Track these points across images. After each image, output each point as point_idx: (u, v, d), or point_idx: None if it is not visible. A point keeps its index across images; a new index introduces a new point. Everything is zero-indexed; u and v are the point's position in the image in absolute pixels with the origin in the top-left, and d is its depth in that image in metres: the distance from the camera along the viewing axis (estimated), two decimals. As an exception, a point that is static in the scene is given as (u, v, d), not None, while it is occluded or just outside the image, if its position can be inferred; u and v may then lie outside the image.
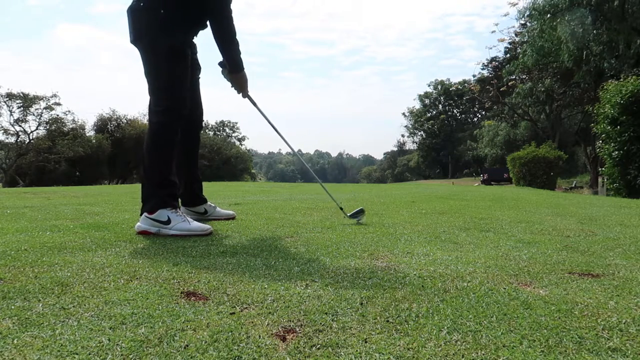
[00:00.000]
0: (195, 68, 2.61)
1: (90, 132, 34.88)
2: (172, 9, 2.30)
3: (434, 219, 2.98)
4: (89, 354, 0.89)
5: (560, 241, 2.23)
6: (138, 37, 2.35)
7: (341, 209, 2.88)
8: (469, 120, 68.68)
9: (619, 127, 8.34)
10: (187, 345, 0.93)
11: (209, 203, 2.82)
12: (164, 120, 2.34)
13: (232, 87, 2.67)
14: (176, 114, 2.35)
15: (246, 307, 1.17)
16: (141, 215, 2.27)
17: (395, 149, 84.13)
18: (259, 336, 0.99)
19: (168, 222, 2.21)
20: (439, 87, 68.68)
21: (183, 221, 2.23)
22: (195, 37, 2.55)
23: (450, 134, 66.06)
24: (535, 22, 20.58)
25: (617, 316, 1.14)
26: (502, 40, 31.44)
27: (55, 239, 2.02)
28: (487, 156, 49.14)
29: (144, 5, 2.30)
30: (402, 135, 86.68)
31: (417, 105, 72.79)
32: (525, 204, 4.44)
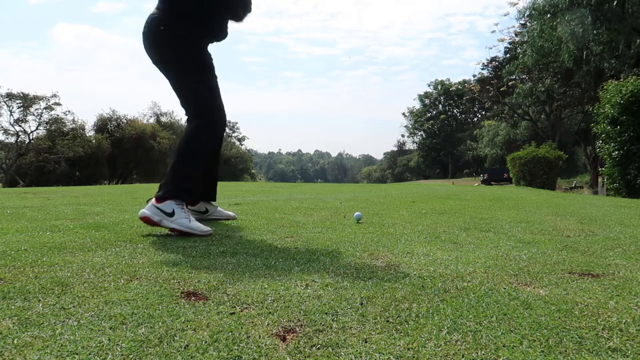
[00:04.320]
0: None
1: (90, 132, 34.82)
2: (187, 25, 2.33)
3: (434, 219, 2.98)
4: (89, 354, 0.89)
5: (560, 241, 2.23)
6: (159, 58, 2.39)
7: None
8: (469, 120, 68.60)
9: (619, 127, 8.34)
10: (187, 345, 0.93)
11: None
12: (204, 130, 2.39)
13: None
14: (216, 124, 2.44)
15: (246, 307, 1.17)
16: (149, 202, 2.28)
17: (395, 149, 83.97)
18: (259, 336, 0.99)
19: (172, 214, 2.22)
20: (439, 87, 68.62)
21: (185, 218, 2.24)
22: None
23: (450, 134, 66.00)
24: (535, 22, 20.56)
25: (617, 316, 1.15)
26: (502, 40, 31.42)
27: (55, 239, 2.02)
28: (487, 156, 49.13)
29: (158, 24, 2.33)
30: (402, 135, 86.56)
31: (417, 105, 72.80)
32: (525, 204, 4.43)
